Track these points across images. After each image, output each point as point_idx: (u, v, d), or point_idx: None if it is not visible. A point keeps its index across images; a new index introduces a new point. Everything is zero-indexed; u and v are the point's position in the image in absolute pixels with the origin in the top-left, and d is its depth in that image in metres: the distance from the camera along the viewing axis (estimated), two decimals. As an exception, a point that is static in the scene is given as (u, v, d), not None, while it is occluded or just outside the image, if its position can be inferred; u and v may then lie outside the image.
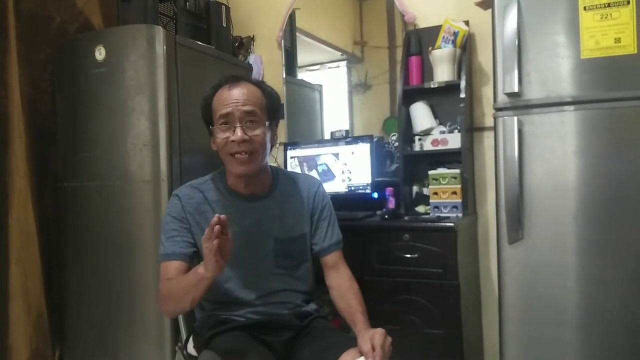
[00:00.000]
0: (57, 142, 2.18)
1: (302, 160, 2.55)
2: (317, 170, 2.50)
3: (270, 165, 1.63)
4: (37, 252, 2.15)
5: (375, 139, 2.45)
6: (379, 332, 1.30)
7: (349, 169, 2.43)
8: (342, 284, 1.59)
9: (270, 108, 1.54)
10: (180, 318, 1.65)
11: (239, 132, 1.45)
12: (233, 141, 1.46)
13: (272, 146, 1.59)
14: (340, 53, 2.96)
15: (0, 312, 2.08)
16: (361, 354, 1.31)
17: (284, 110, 2.74)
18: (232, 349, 1.38)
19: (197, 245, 1.50)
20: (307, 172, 2.50)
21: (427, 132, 2.41)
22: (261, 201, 1.58)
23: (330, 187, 2.40)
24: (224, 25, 2.52)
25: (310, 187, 1.67)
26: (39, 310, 2.16)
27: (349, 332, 1.49)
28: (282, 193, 1.62)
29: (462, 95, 2.27)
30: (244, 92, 1.49)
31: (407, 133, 2.44)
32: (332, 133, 2.58)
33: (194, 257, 1.52)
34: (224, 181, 1.58)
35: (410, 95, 2.45)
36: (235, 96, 1.48)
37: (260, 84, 1.56)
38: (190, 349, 1.56)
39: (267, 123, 1.52)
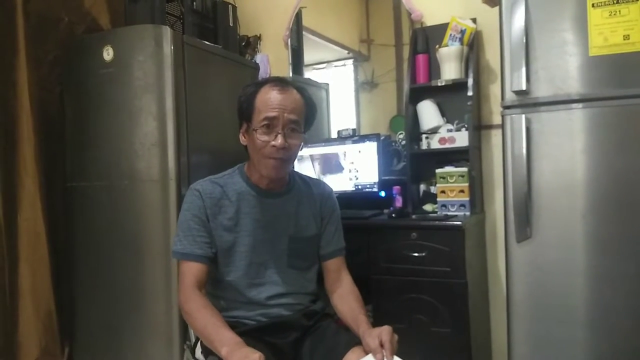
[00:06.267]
0: (65, 142, 2.20)
1: (311, 158, 2.55)
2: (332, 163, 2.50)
3: None
4: (46, 252, 2.17)
5: (382, 138, 2.45)
6: (386, 329, 1.31)
7: (356, 168, 2.42)
8: (344, 288, 1.60)
9: (308, 118, 1.56)
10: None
11: (280, 139, 1.45)
12: (273, 146, 1.46)
13: None
14: (346, 51, 2.95)
15: (9, 310, 2.10)
16: (367, 352, 1.32)
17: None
18: None
19: (214, 242, 1.51)
20: (315, 170, 2.51)
21: (434, 131, 2.41)
22: (279, 198, 1.60)
23: (338, 185, 2.40)
24: (231, 24, 2.53)
25: (323, 192, 1.69)
26: (48, 309, 2.17)
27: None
28: (297, 193, 1.63)
29: (470, 93, 2.26)
30: (292, 99, 1.49)
31: (414, 131, 2.44)
32: (339, 132, 2.57)
33: (212, 258, 1.52)
34: (244, 176, 1.59)
35: (417, 94, 2.44)
36: (283, 102, 1.47)
37: (303, 92, 1.56)
38: (199, 354, 1.57)
39: (304, 134, 1.54)
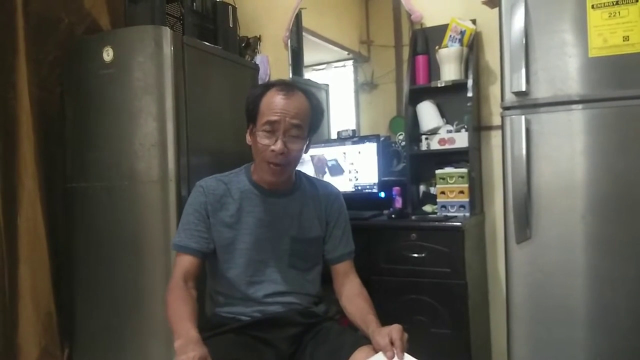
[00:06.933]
0: (65, 143, 2.19)
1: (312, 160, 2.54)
2: (327, 165, 2.49)
3: None
4: (46, 252, 2.16)
5: (382, 139, 2.45)
6: (396, 327, 1.32)
7: (355, 169, 2.42)
8: (352, 290, 1.60)
9: (313, 123, 1.56)
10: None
11: (279, 144, 1.46)
12: (272, 151, 1.47)
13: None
14: (346, 52, 2.96)
15: (9, 311, 2.09)
16: (375, 350, 1.32)
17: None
18: (223, 352, 1.37)
19: (212, 238, 1.54)
20: (313, 171, 2.51)
21: (434, 132, 2.41)
22: (283, 198, 1.60)
23: (338, 186, 2.39)
24: (231, 25, 2.53)
25: (330, 194, 1.69)
26: (48, 310, 2.17)
27: (358, 332, 1.49)
28: (302, 194, 1.64)
29: (469, 94, 2.27)
30: (297, 104, 1.50)
31: (414, 132, 2.44)
32: (338, 133, 2.57)
33: (207, 253, 1.54)
34: (249, 175, 1.61)
35: (417, 95, 2.45)
36: (287, 106, 1.48)
37: (310, 96, 1.56)
38: None
39: (307, 139, 1.55)
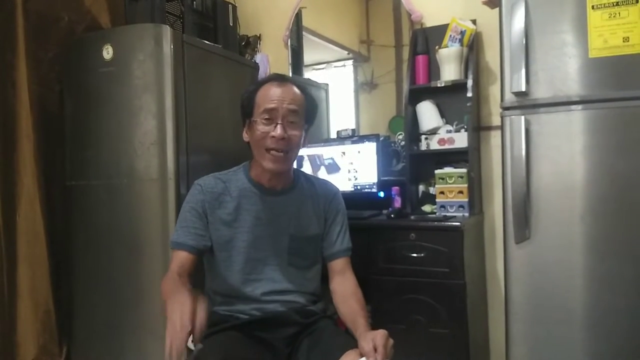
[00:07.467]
0: (64, 141, 2.20)
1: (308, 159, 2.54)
2: (324, 164, 2.50)
3: None
4: (45, 251, 2.16)
5: (381, 138, 2.45)
6: (381, 333, 1.30)
7: (355, 168, 2.42)
8: (346, 289, 1.59)
9: (308, 112, 1.59)
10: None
11: (279, 129, 1.49)
12: (273, 137, 1.49)
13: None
14: (346, 52, 2.96)
15: (8, 309, 2.09)
16: (362, 355, 1.31)
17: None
18: (223, 348, 1.37)
19: (209, 235, 1.55)
20: (310, 167, 2.51)
21: (433, 131, 2.41)
22: (281, 197, 1.61)
23: (336, 184, 2.40)
24: (231, 24, 2.53)
25: (328, 192, 1.70)
26: (47, 308, 2.17)
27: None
28: (301, 192, 1.65)
29: (469, 94, 2.26)
30: (292, 92, 1.53)
31: (414, 132, 2.44)
32: (338, 132, 2.58)
33: (203, 250, 1.55)
34: (247, 173, 1.61)
35: (417, 94, 2.44)
36: (282, 94, 1.51)
37: (303, 88, 1.59)
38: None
39: (305, 127, 1.57)
